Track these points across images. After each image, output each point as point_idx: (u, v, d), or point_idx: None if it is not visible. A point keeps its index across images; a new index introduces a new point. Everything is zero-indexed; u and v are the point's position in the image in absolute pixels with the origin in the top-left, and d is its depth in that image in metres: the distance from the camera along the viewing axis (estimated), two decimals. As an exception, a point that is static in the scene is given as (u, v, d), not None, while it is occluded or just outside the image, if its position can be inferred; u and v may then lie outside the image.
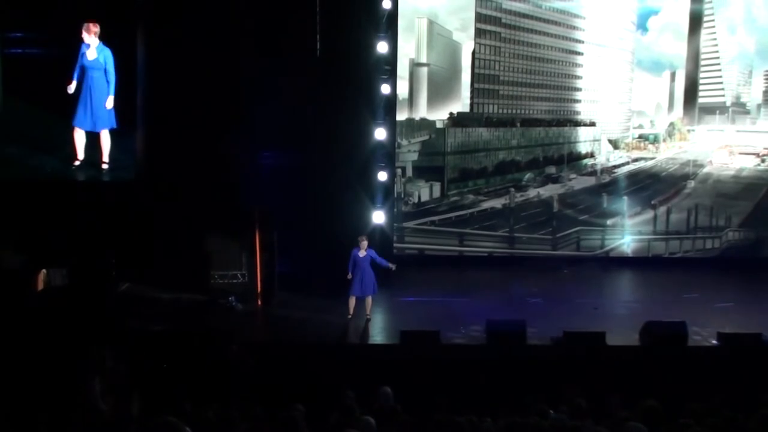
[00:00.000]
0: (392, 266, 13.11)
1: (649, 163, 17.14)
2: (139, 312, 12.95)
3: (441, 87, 16.57)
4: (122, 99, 14.51)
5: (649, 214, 17.01)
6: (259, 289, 13.80)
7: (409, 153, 16.59)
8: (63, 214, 14.36)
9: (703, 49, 16.85)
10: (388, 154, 15.72)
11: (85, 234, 14.13)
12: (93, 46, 13.75)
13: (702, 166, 17.10)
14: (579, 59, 16.72)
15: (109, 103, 13.79)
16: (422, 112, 16.55)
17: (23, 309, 12.48)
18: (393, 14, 15.48)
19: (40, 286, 13.74)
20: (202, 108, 14.27)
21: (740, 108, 17.11)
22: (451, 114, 16.60)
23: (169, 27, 14.36)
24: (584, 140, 17.01)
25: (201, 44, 14.26)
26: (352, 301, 12.90)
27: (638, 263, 16.77)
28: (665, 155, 17.12)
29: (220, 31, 14.33)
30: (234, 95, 14.58)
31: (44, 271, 13.85)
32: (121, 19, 14.39)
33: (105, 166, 14.44)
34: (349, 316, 12.83)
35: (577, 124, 16.95)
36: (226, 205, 14.16)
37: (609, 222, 16.96)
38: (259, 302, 13.76)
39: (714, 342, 11.65)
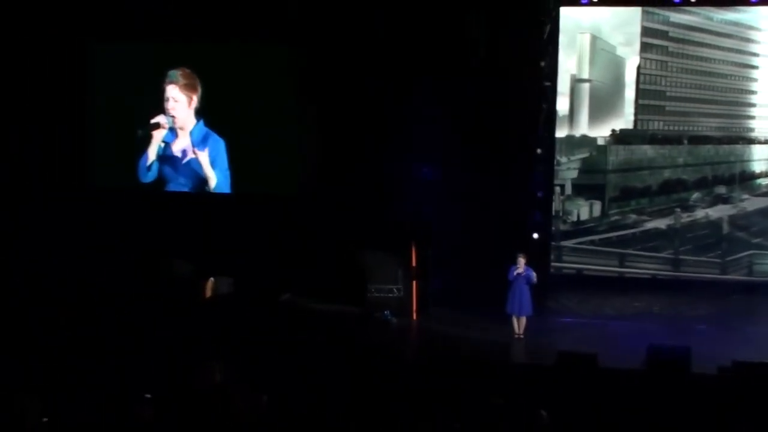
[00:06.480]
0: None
1: (832, 184, 15.96)
2: (298, 322, 13.37)
3: (603, 103, 16.17)
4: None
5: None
6: (414, 304, 13.92)
7: (569, 170, 16.27)
8: (229, 225, 15.10)
9: None
10: (547, 170, 15.49)
11: (251, 245, 14.77)
12: None
13: None
14: (754, 73, 15.83)
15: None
16: (583, 128, 16.20)
17: (191, 315, 13.19)
18: (554, 30, 15.30)
19: (208, 293, 14.48)
20: (364, 124, 14.64)
21: None
22: (613, 131, 16.16)
23: (332, 42, 14.88)
24: (758, 159, 16.07)
25: (364, 58, 14.68)
26: (515, 320, 12.74)
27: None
28: None
29: (384, 47, 14.70)
30: (392, 110, 14.84)
31: (212, 279, 14.58)
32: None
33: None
34: (515, 336, 12.67)
35: (751, 141, 16.04)
36: (385, 220, 14.40)
37: (786, 246, 15.92)
38: (414, 317, 13.87)
39: None
